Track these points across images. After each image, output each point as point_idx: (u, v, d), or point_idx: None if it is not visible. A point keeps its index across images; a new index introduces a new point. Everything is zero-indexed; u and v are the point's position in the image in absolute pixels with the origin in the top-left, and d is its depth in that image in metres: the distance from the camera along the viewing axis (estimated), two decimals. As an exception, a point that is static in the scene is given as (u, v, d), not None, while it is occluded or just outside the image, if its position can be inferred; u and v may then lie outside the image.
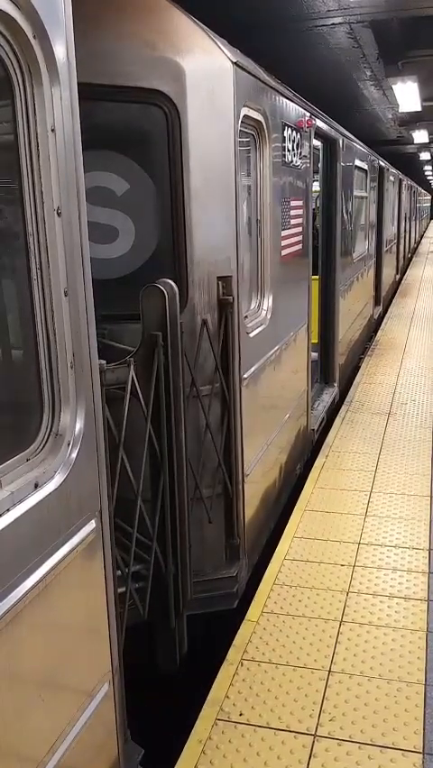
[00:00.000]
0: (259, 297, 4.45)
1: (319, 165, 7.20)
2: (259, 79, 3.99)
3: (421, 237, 40.03)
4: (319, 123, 6.03)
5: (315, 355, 6.84)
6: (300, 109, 5.21)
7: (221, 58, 3.42)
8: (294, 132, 4.97)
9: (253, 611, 3.82)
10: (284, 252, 4.83)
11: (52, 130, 1.93)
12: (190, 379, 3.42)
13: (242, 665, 3.39)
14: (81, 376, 2.11)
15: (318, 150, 7.01)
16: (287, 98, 4.74)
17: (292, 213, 5.04)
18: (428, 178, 39.97)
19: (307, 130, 5.42)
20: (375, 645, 3.50)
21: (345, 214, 7.69)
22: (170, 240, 3.41)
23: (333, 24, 6.85)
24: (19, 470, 1.92)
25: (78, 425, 2.11)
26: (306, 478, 5.62)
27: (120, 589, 2.62)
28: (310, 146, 5.65)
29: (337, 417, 7.10)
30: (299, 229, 5.33)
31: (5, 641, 1.77)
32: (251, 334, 4.08)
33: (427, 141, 17.78)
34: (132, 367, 2.88)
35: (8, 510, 1.80)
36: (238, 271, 3.67)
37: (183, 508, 3.28)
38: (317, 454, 6.11)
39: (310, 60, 8.36)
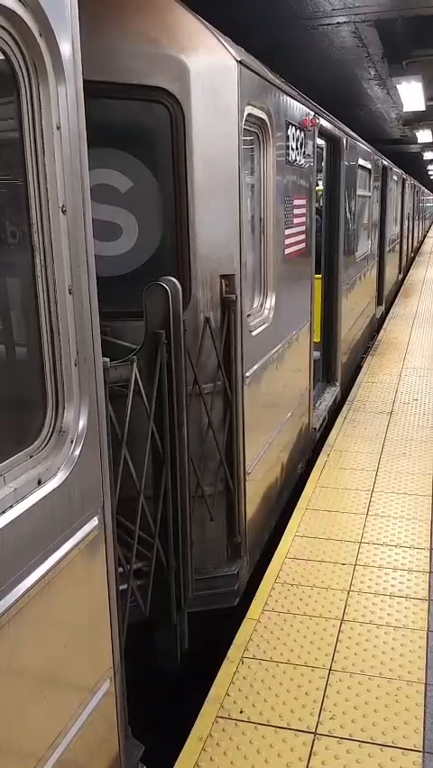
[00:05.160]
0: (262, 296, 4.45)
1: (323, 164, 7.20)
2: (263, 78, 3.99)
3: (424, 237, 39.98)
4: (323, 122, 6.02)
5: (317, 354, 6.84)
6: (304, 108, 5.21)
7: (225, 56, 3.42)
8: (298, 130, 4.97)
9: (254, 609, 3.82)
10: (287, 251, 4.83)
11: (58, 127, 1.93)
12: (193, 376, 3.43)
13: (243, 663, 3.39)
14: (85, 373, 2.12)
15: (322, 148, 7.01)
16: (291, 97, 4.74)
17: (296, 211, 5.04)
18: (432, 177, 39.90)
19: (310, 129, 5.41)
20: (376, 644, 3.50)
21: (348, 214, 7.68)
22: (174, 237, 3.41)
23: (337, 23, 6.84)
24: (22, 466, 1.92)
25: (82, 422, 2.11)
26: (307, 477, 5.63)
27: (121, 587, 2.62)
28: (314, 145, 5.65)
29: (339, 416, 7.10)
30: (303, 228, 5.33)
31: (8, 637, 1.78)
32: (253, 333, 4.08)
33: (431, 140, 17.73)
34: (135, 365, 2.89)
35: (11, 507, 1.80)
36: (241, 269, 3.67)
37: (185, 506, 3.29)
38: (318, 453, 6.12)
39: (314, 59, 8.35)
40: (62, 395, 2.07)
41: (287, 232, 4.79)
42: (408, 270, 21.63)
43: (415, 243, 28.03)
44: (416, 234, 28.33)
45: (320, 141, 6.70)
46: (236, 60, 3.44)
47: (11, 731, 1.84)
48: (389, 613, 3.75)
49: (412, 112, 12.42)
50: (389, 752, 2.84)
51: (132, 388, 2.87)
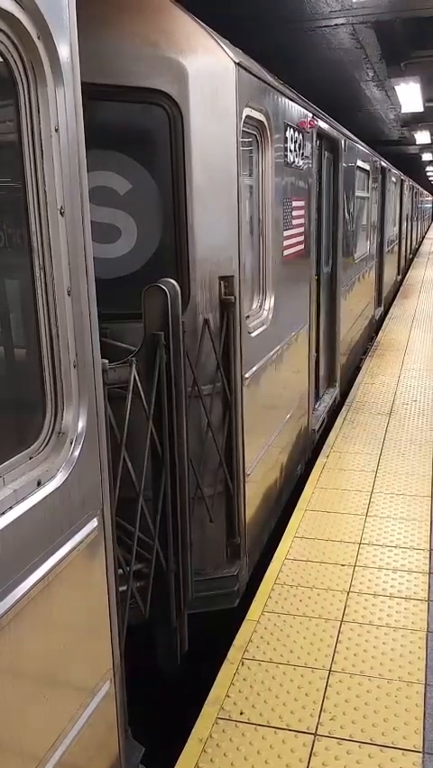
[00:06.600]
0: (261, 297, 4.46)
1: (321, 165, 7.21)
2: (261, 80, 4.00)
3: (423, 238, 40.02)
4: (321, 124, 6.03)
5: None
6: (303, 110, 5.22)
7: (224, 58, 3.42)
8: (296, 132, 4.98)
9: (253, 610, 3.82)
10: (286, 252, 4.84)
11: (56, 130, 1.94)
12: (192, 378, 3.43)
13: (243, 664, 3.39)
14: (84, 375, 2.12)
15: (321, 150, 7.01)
16: (289, 99, 4.75)
17: (294, 213, 5.04)
18: (430, 179, 39.95)
19: (309, 130, 5.42)
20: (376, 645, 3.50)
21: (346, 215, 7.69)
22: (173, 239, 3.42)
23: (336, 25, 6.86)
24: (22, 467, 1.93)
25: (81, 424, 2.12)
26: (307, 478, 5.63)
27: (121, 588, 2.62)
28: (312, 146, 5.66)
29: (338, 418, 7.11)
30: (301, 229, 5.34)
31: (8, 638, 1.78)
32: (252, 334, 4.08)
33: (429, 141, 17.78)
34: (134, 366, 2.89)
35: (11, 508, 1.81)
36: (240, 271, 3.67)
37: (184, 507, 3.29)
38: (318, 455, 6.12)
39: (313, 61, 8.37)
40: (61, 396, 2.08)
41: (286, 233, 4.79)
42: (406, 271, 21.64)
43: (414, 245, 28.05)
44: (414, 236, 28.36)
45: (319, 143, 6.71)
46: (234, 63, 3.45)
47: (11, 732, 1.84)
48: (388, 614, 3.75)
49: (411, 113, 12.45)
50: (389, 752, 2.84)
51: (131, 390, 2.87)
